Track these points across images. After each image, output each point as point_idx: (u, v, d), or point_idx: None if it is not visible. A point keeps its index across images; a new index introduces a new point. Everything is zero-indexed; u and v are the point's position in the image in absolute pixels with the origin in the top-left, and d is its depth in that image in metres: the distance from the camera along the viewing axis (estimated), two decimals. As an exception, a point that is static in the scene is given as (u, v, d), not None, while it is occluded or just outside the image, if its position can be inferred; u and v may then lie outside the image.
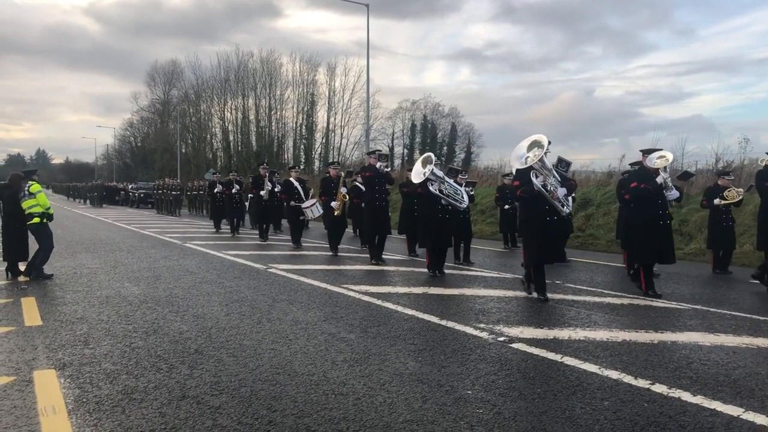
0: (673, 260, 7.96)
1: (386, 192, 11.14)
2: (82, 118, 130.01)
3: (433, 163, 8.95)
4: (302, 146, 59.77)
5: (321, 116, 60.12)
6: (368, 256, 11.26)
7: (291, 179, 14.35)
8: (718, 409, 3.77)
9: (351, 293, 7.62)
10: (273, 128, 60.20)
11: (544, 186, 7.16)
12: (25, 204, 8.87)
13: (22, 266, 8.99)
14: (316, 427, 3.42)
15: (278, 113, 60.10)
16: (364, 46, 63.77)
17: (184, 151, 60.20)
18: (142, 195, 40.04)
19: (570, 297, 7.66)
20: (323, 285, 8.24)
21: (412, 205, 11.59)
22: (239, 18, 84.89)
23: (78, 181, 65.45)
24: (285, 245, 14.06)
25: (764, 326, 6.27)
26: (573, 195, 8.31)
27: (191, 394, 3.92)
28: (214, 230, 18.34)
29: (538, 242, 7.32)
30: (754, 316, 6.75)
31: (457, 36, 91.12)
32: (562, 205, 7.36)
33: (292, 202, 13.92)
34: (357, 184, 13.13)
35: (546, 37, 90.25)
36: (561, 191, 7.34)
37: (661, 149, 8.16)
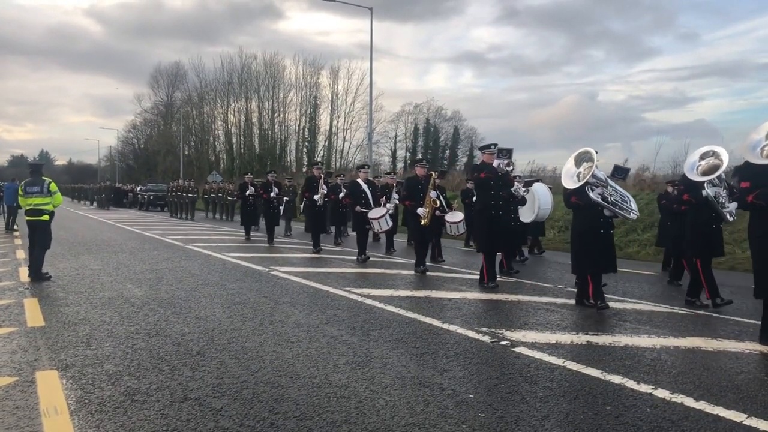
0: None
1: (508, 198, 8.80)
2: (85, 120, 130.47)
3: (594, 161, 6.97)
4: (305, 149, 59.97)
5: (324, 119, 60.49)
6: (368, 258, 11.19)
7: (359, 180, 12.47)
8: (721, 414, 3.76)
9: (353, 296, 7.62)
10: (276, 131, 60.46)
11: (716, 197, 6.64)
12: (37, 200, 8.87)
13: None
14: (318, 430, 3.42)
15: (281, 116, 60.43)
16: (366, 48, 64.02)
17: (186, 153, 60.33)
18: (151, 197, 37.39)
19: (572, 301, 7.64)
20: (325, 288, 8.24)
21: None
22: (240, 19, 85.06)
23: (81, 182, 65.52)
24: (295, 248, 14.06)
25: (767, 332, 6.25)
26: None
27: (193, 396, 3.92)
28: (245, 237, 16.36)
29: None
30: (756, 322, 6.71)
31: (460, 39, 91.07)
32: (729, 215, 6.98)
33: (358, 208, 11.91)
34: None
35: (549, 41, 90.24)
36: (732, 206, 6.95)
37: None
